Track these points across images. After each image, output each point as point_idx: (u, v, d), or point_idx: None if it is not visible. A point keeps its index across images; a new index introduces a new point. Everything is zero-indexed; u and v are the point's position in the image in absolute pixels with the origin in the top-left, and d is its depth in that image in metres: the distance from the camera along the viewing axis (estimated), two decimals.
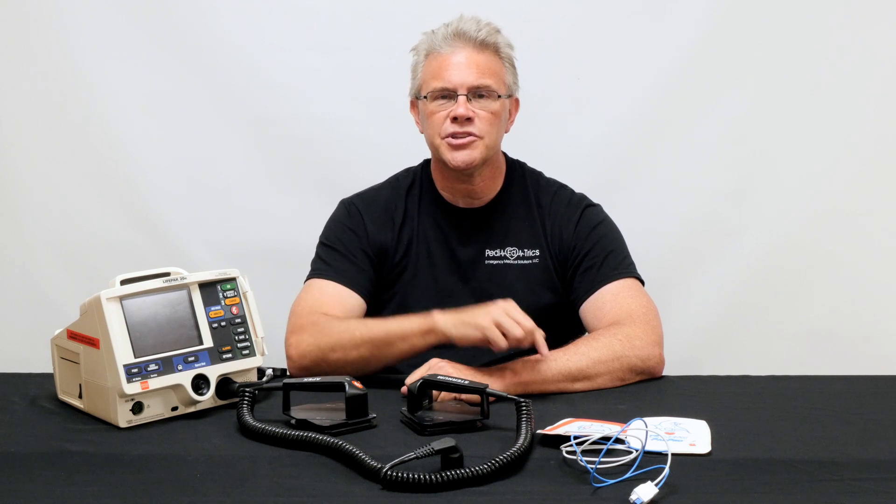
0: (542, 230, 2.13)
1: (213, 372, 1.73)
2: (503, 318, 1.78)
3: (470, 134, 2.02)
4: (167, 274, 1.74)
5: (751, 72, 2.79)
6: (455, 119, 2.02)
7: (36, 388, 1.87)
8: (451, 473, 1.35)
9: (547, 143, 2.69)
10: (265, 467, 1.46)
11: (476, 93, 2.03)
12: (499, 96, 2.05)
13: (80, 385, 1.73)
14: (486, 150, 2.05)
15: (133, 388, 1.64)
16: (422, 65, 2.09)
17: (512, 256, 2.12)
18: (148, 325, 1.68)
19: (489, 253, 2.12)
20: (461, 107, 2.01)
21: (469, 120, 2.02)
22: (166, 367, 1.68)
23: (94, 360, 1.67)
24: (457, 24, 2.06)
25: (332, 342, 1.93)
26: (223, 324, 1.76)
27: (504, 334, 1.77)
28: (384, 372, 2.06)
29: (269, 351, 1.82)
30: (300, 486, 1.38)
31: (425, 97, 2.06)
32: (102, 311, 1.64)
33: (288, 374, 1.97)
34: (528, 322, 1.79)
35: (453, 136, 2.02)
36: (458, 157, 2.03)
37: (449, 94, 2.03)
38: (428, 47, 2.08)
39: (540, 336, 1.80)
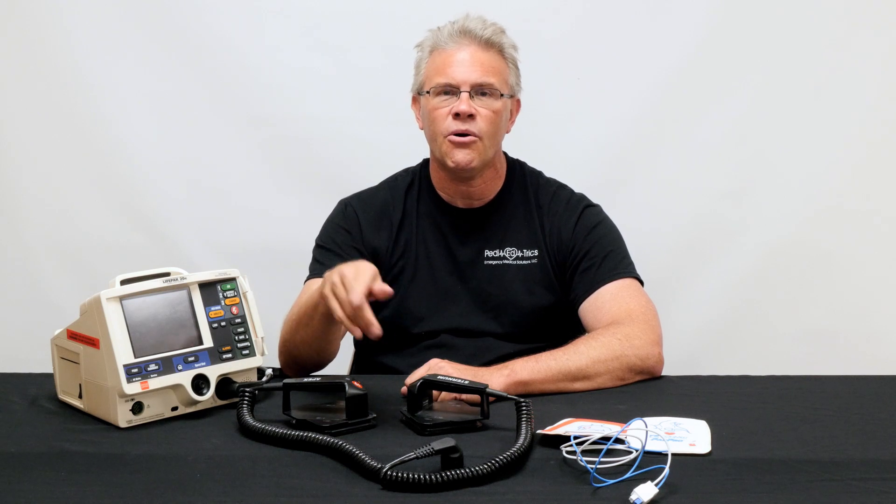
0: (541, 230, 2.12)
1: (213, 372, 1.72)
2: (338, 291, 1.68)
3: (470, 133, 2.02)
4: (167, 274, 1.74)
5: (751, 72, 2.79)
6: (457, 115, 2.02)
7: (36, 388, 1.86)
8: (451, 473, 1.35)
9: (547, 143, 2.69)
10: (265, 467, 1.46)
11: (479, 90, 2.03)
12: (501, 95, 2.05)
13: (80, 385, 1.72)
14: (486, 151, 2.05)
15: (133, 388, 1.64)
16: (426, 61, 2.09)
17: (511, 257, 2.11)
18: (148, 325, 1.68)
19: (488, 253, 2.12)
20: (463, 103, 2.01)
21: (471, 117, 2.02)
22: (166, 367, 1.68)
23: (94, 360, 1.67)
24: (463, 22, 2.06)
25: (289, 329, 1.97)
26: (223, 324, 1.76)
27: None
28: (384, 372, 2.07)
29: (269, 351, 1.82)
30: (300, 486, 1.38)
31: (427, 93, 2.06)
32: (102, 311, 1.64)
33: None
34: (352, 297, 1.65)
35: (454, 134, 2.02)
36: (457, 157, 2.03)
37: (452, 91, 2.03)
38: (433, 43, 2.08)
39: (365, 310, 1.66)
